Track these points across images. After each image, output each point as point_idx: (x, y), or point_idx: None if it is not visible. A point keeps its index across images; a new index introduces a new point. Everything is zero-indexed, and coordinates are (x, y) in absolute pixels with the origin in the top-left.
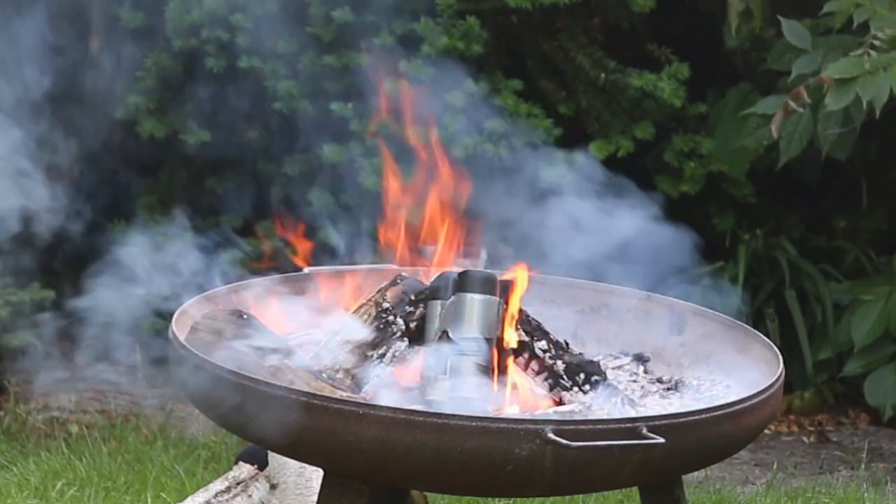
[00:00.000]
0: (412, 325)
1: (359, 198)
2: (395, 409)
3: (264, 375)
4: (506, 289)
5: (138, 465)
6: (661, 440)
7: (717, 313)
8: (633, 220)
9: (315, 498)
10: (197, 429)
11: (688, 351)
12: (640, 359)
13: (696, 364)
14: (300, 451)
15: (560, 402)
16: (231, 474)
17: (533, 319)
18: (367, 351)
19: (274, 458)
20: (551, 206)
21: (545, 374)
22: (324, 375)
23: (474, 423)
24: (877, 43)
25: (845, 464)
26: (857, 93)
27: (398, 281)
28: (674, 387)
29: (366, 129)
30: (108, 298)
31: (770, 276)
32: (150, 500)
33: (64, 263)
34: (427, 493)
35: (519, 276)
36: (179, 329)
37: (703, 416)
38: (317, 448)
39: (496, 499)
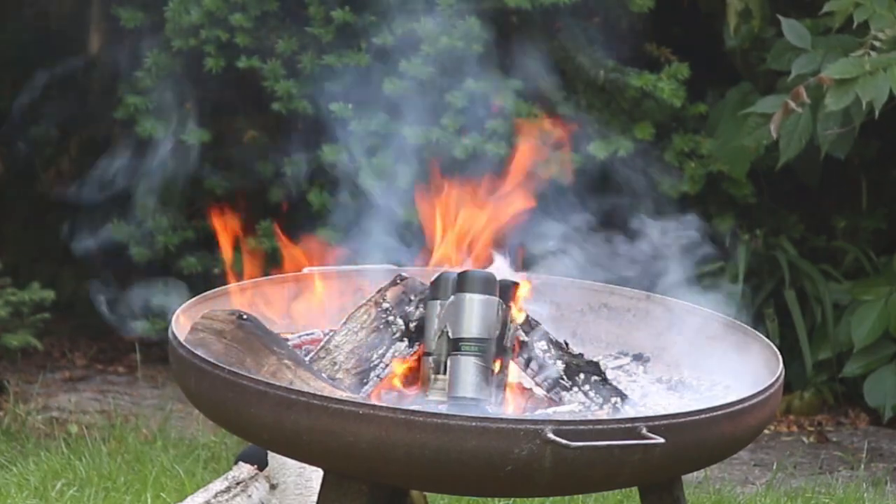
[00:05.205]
0: (412, 325)
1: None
2: (395, 409)
3: (264, 375)
4: (506, 289)
5: (138, 466)
6: (661, 440)
7: (716, 313)
8: None
9: (315, 498)
10: (197, 429)
11: (688, 351)
12: (640, 359)
13: (696, 364)
14: (300, 451)
15: (560, 402)
16: (231, 474)
17: (533, 319)
18: (367, 351)
19: (274, 458)
20: None
21: (544, 374)
22: (324, 375)
23: (474, 424)
24: (877, 43)
25: (845, 464)
26: (856, 93)
27: (398, 281)
28: (673, 387)
29: (365, 128)
30: None
31: (770, 276)
32: (149, 501)
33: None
34: (427, 493)
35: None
36: (179, 329)
37: (703, 416)
38: (317, 448)
39: (496, 499)
